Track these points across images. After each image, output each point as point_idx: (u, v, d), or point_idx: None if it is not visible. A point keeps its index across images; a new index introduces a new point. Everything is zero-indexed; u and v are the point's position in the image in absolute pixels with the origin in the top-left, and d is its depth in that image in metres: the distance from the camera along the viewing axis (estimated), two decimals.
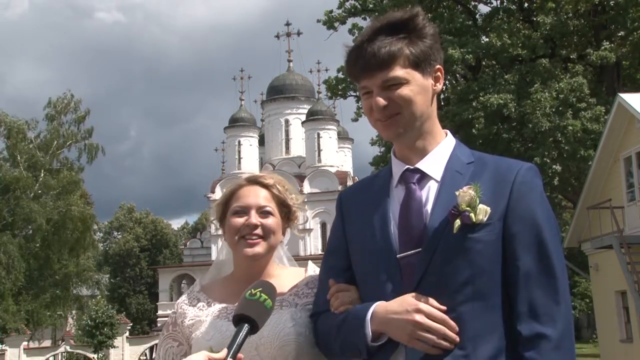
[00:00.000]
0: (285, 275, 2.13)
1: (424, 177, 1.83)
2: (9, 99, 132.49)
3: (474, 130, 21.58)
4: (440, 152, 1.86)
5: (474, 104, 22.45)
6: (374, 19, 1.88)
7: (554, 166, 21.27)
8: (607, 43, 22.78)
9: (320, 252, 51.74)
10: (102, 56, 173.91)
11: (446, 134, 1.91)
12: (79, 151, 38.68)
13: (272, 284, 1.91)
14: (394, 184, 1.88)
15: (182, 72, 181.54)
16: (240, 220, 2.05)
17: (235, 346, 1.74)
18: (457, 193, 1.73)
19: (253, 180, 2.11)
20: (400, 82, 1.78)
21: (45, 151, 37.85)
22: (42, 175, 37.01)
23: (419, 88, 1.80)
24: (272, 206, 2.08)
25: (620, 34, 23.91)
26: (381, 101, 1.78)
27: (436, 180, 1.82)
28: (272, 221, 2.07)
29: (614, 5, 23.16)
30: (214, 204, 2.27)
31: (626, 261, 17.30)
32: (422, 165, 1.84)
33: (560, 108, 21.61)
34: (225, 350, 1.75)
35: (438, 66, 1.84)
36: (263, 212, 2.06)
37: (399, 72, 1.77)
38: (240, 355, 1.75)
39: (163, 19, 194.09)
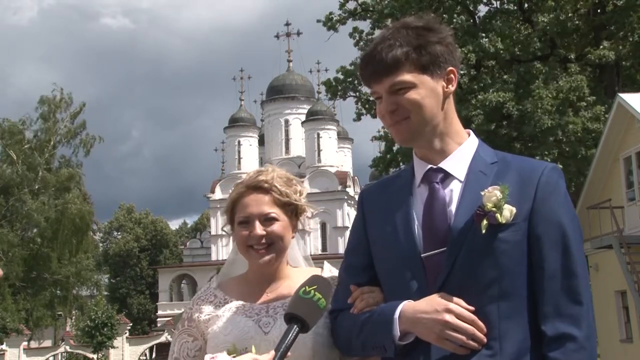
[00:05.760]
0: (298, 276, 2.11)
1: (447, 176, 1.84)
2: (16, 101, 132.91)
3: (473, 126, 21.58)
4: (463, 152, 1.86)
5: (473, 101, 22.48)
6: (388, 25, 1.90)
7: (556, 164, 21.26)
8: (607, 43, 22.78)
9: (320, 252, 51.75)
10: (107, 58, 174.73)
11: (469, 134, 1.92)
12: (75, 147, 38.63)
13: (329, 281, 1.91)
14: (417, 184, 1.88)
15: (183, 73, 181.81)
16: (245, 232, 2.05)
17: (283, 347, 1.72)
18: (482, 193, 1.74)
19: (253, 187, 2.07)
20: (408, 86, 1.78)
21: (41, 150, 37.78)
22: (40, 173, 36.96)
23: (428, 91, 1.80)
24: (275, 211, 2.05)
25: (620, 34, 23.89)
26: (386, 106, 1.81)
27: (459, 180, 1.83)
28: (278, 226, 2.05)
29: (613, 6, 23.13)
30: (222, 211, 2.27)
31: (626, 261, 17.31)
32: (445, 164, 1.84)
33: (561, 108, 21.60)
34: (272, 353, 1.74)
35: (450, 68, 1.83)
36: (267, 219, 2.04)
37: (405, 76, 1.78)
38: (289, 354, 1.73)
39: (167, 22, 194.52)
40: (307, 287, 1.82)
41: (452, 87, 1.84)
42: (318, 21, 27.51)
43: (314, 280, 1.85)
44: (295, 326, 1.75)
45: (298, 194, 2.12)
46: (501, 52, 22.70)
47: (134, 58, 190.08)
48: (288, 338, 1.74)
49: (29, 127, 38.14)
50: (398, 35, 1.81)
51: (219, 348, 1.97)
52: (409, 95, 1.78)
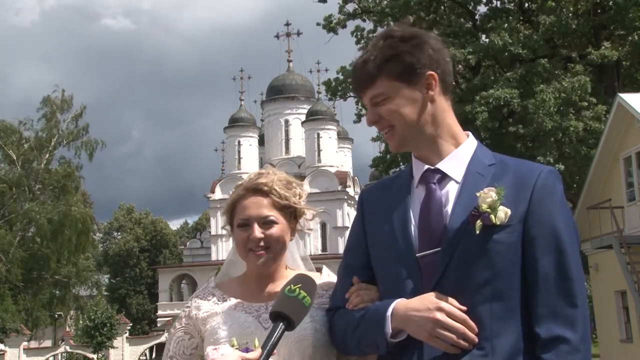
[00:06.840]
0: None
1: (444, 177, 1.86)
2: (17, 101, 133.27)
3: (477, 123, 21.42)
4: (461, 153, 1.88)
5: (477, 98, 22.39)
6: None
7: (557, 165, 21.21)
8: (608, 43, 22.77)
9: (320, 252, 51.76)
10: (108, 59, 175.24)
11: (468, 136, 1.93)
12: (77, 149, 38.54)
13: (313, 279, 1.92)
14: (415, 184, 1.90)
15: (183, 73, 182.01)
16: (244, 234, 2.08)
17: (269, 345, 1.75)
18: (478, 194, 1.75)
19: (252, 189, 2.09)
20: (384, 97, 1.84)
21: (40, 150, 37.73)
22: (41, 173, 36.93)
23: (404, 100, 1.83)
24: (274, 214, 2.07)
25: (620, 34, 23.88)
26: (370, 118, 1.88)
27: (456, 181, 1.84)
28: (276, 229, 2.07)
29: (613, 5, 23.13)
30: (222, 211, 2.29)
31: (626, 261, 17.31)
32: (442, 165, 1.86)
33: (562, 108, 21.56)
34: (259, 350, 1.76)
35: (429, 72, 1.84)
36: (266, 223, 2.06)
37: (380, 88, 1.84)
38: (274, 352, 1.76)
39: (167, 23, 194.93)
40: (292, 285, 1.84)
41: (432, 92, 1.85)
42: (318, 24, 27.47)
43: (299, 279, 1.87)
44: (281, 324, 1.77)
45: (297, 197, 2.14)
46: (509, 45, 22.55)
47: (134, 58, 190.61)
48: (274, 336, 1.76)
49: (30, 127, 38.13)
50: (373, 49, 1.86)
51: (219, 343, 1.99)
52: (387, 106, 1.84)
